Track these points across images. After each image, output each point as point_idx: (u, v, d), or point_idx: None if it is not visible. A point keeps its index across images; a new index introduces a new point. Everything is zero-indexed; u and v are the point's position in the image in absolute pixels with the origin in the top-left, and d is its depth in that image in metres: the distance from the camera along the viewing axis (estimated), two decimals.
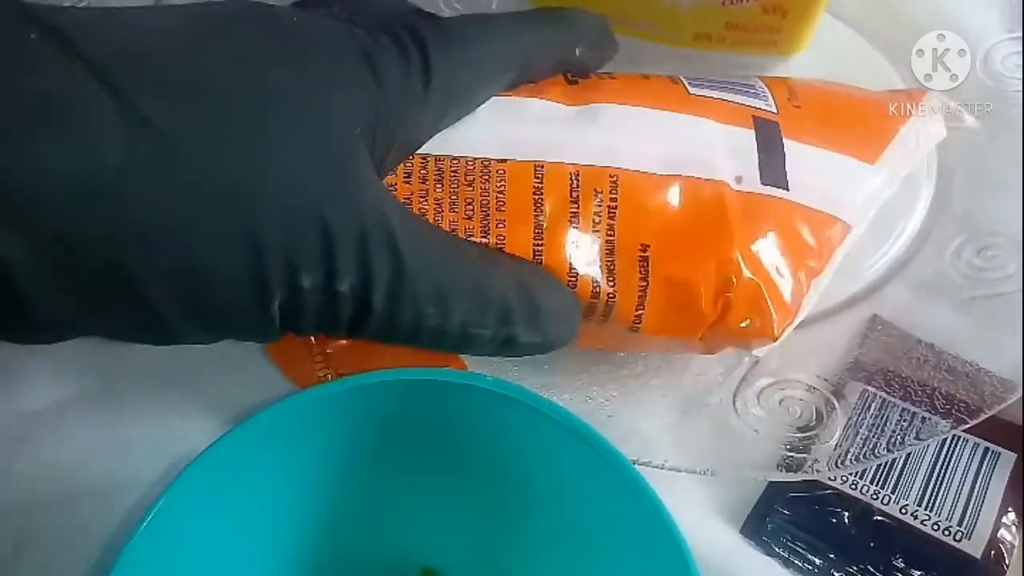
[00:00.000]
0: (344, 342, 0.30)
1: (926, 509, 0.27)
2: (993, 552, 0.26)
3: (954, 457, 0.29)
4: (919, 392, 0.29)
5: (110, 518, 0.27)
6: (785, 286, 0.27)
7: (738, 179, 0.27)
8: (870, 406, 0.29)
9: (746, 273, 0.26)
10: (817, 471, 0.28)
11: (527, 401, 0.22)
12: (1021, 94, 0.37)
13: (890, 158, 0.31)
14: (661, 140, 0.26)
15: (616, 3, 0.35)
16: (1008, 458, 0.28)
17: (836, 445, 0.28)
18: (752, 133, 0.28)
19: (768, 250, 0.27)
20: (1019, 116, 0.36)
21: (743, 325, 0.26)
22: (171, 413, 0.30)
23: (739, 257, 0.26)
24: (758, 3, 0.34)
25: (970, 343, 0.30)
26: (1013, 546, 0.27)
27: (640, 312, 0.26)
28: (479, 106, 0.25)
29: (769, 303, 0.26)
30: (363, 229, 0.21)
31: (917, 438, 0.28)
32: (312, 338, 0.30)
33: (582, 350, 0.31)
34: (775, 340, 0.27)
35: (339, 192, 0.21)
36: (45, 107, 0.17)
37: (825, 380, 0.30)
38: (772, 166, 0.27)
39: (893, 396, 0.29)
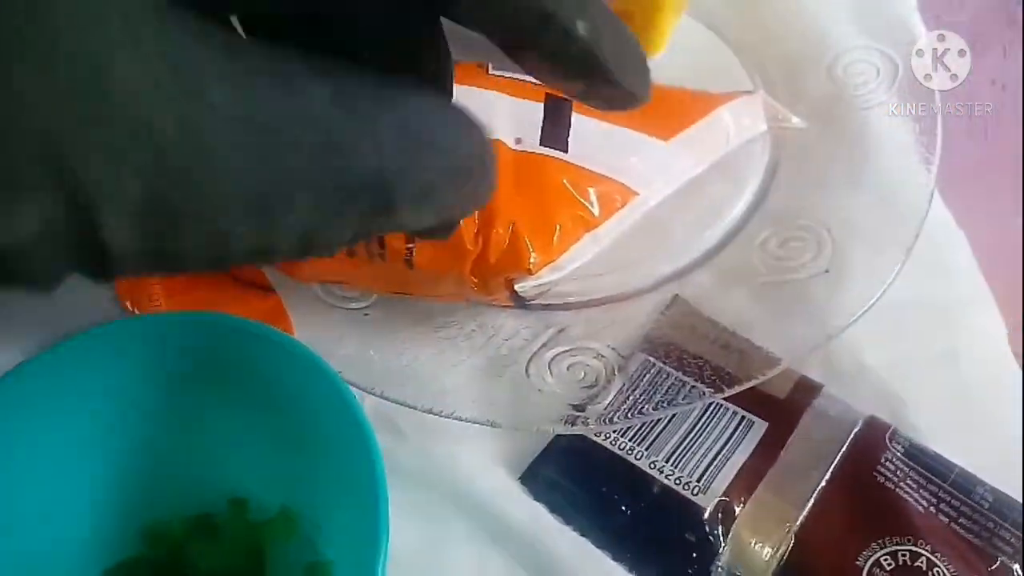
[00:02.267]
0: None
1: (672, 465, 0.30)
2: (723, 507, 0.29)
3: (712, 423, 0.32)
4: (692, 364, 0.32)
5: None
6: (548, 229, 0.30)
7: (517, 140, 0.31)
8: (646, 374, 0.32)
9: (505, 215, 0.30)
10: (587, 425, 0.31)
11: (276, 339, 0.27)
12: (861, 99, 0.39)
13: (688, 140, 0.34)
14: None
15: None
16: (760, 426, 0.31)
17: (607, 405, 0.31)
18: (541, 106, 0.32)
19: (535, 198, 0.30)
20: (851, 120, 0.38)
21: (501, 260, 0.30)
22: (17, 341, 0.33)
23: (500, 202, 0.30)
24: None
25: (751, 323, 0.33)
26: (743, 502, 0.30)
27: (410, 246, 0.30)
28: None
29: (527, 242, 0.30)
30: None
31: (684, 400, 0.31)
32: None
33: (404, 313, 0.34)
34: (531, 274, 0.31)
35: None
36: None
37: (614, 350, 0.33)
38: (555, 133, 0.31)
39: (669, 366, 0.32)
